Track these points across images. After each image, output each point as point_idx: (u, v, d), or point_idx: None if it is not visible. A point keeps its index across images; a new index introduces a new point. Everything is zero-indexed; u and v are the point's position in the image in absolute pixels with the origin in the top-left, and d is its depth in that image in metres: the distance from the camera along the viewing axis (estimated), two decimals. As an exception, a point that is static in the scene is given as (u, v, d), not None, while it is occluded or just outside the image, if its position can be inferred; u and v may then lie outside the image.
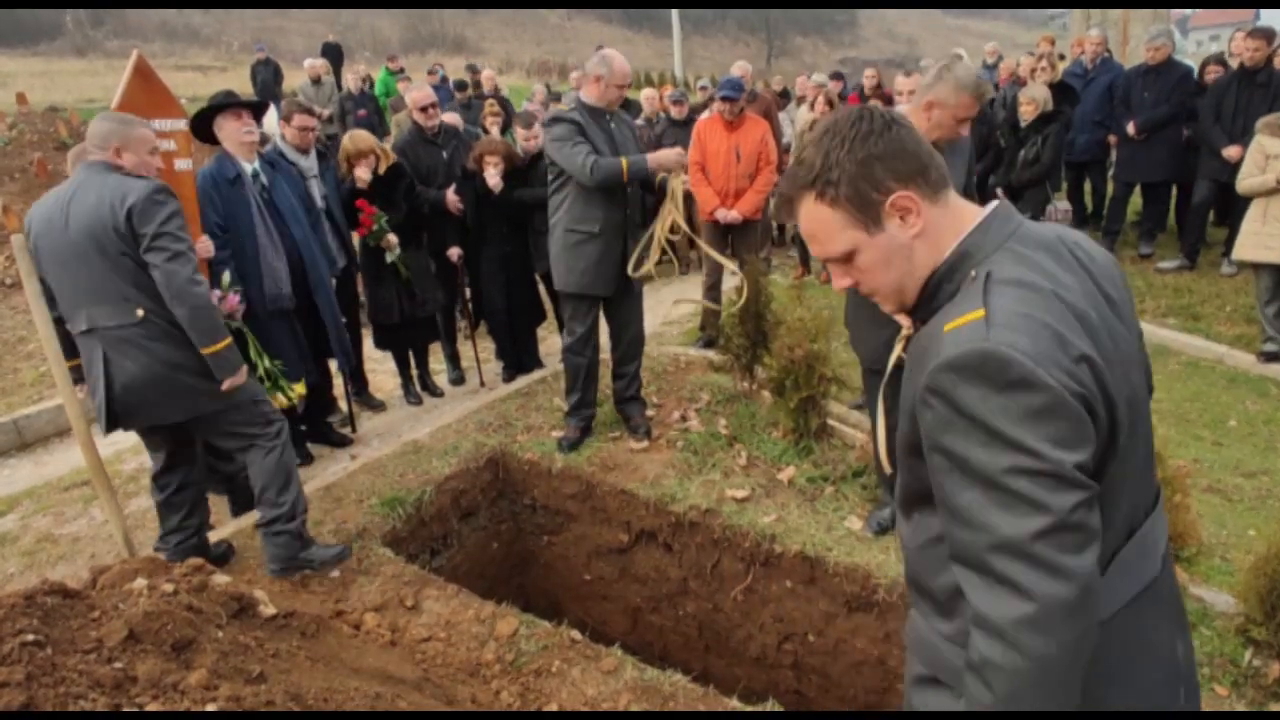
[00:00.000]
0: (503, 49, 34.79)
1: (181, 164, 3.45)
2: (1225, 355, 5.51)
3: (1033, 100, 6.26)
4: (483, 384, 5.45)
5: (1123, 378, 1.14)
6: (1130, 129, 6.77)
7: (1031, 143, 6.17)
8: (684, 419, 4.41)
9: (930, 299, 1.24)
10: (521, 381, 5.12)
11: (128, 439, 3.89)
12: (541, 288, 5.52)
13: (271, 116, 6.56)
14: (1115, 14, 12.56)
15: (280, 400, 3.84)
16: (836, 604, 3.35)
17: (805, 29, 46.95)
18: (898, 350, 1.38)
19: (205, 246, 3.50)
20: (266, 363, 3.81)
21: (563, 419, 4.33)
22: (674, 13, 22.75)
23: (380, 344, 5.20)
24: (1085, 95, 7.30)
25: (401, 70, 12.16)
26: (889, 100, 7.74)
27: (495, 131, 6.65)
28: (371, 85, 11.81)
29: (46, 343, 3.06)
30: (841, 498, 3.73)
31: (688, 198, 4.13)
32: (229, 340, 3.00)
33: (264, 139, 4.38)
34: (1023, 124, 6.28)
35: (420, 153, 5.21)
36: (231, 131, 3.81)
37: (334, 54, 13.99)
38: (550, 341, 6.03)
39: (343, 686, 2.19)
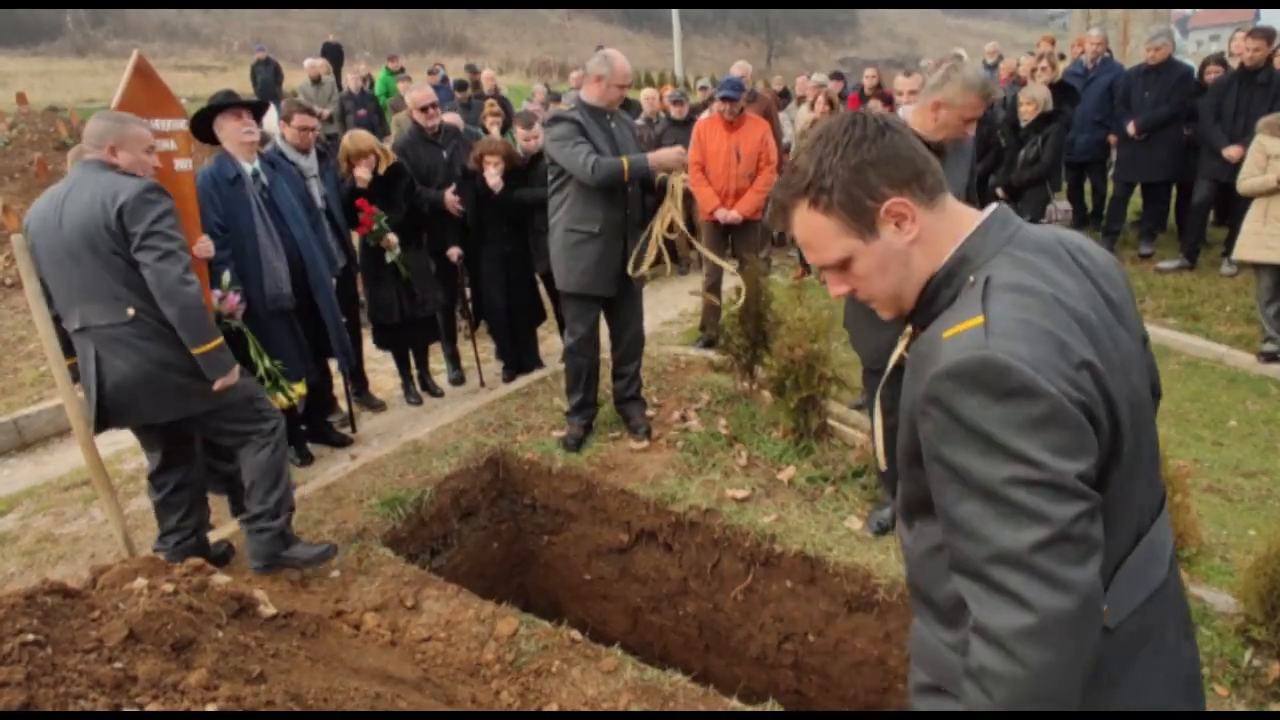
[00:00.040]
0: (503, 49, 34.78)
1: (181, 164, 3.45)
2: (1225, 355, 5.52)
3: (1033, 100, 6.26)
4: (483, 384, 5.45)
5: (1125, 382, 1.13)
6: (1130, 129, 6.77)
7: (1031, 142, 6.17)
8: (684, 419, 4.41)
9: (929, 305, 1.22)
10: (521, 381, 5.12)
11: (128, 439, 3.88)
12: (541, 288, 5.51)
13: (271, 116, 6.56)
14: (1115, 14, 12.56)
15: (281, 400, 3.83)
16: (836, 604, 3.35)
17: (805, 29, 46.94)
18: (899, 350, 1.36)
19: (205, 246, 3.49)
20: (267, 362, 3.81)
21: (565, 418, 4.33)
22: (674, 13, 22.75)
23: (380, 344, 5.20)
24: (1085, 95, 7.30)
25: (402, 70, 12.15)
26: (889, 100, 7.74)
27: (495, 131, 6.65)
28: (371, 85, 11.81)
29: (46, 342, 3.06)
30: (841, 498, 3.73)
31: (687, 196, 4.14)
32: (220, 340, 2.99)
33: (264, 139, 4.38)
34: (1023, 124, 6.28)
35: (420, 153, 5.21)
36: (231, 131, 3.81)
37: (334, 54, 13.98)
38: (550, 341, 6.03)
39: (343, 686, 2.19)
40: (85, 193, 2.84)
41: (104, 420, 3.01)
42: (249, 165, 3.88)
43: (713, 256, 4.65)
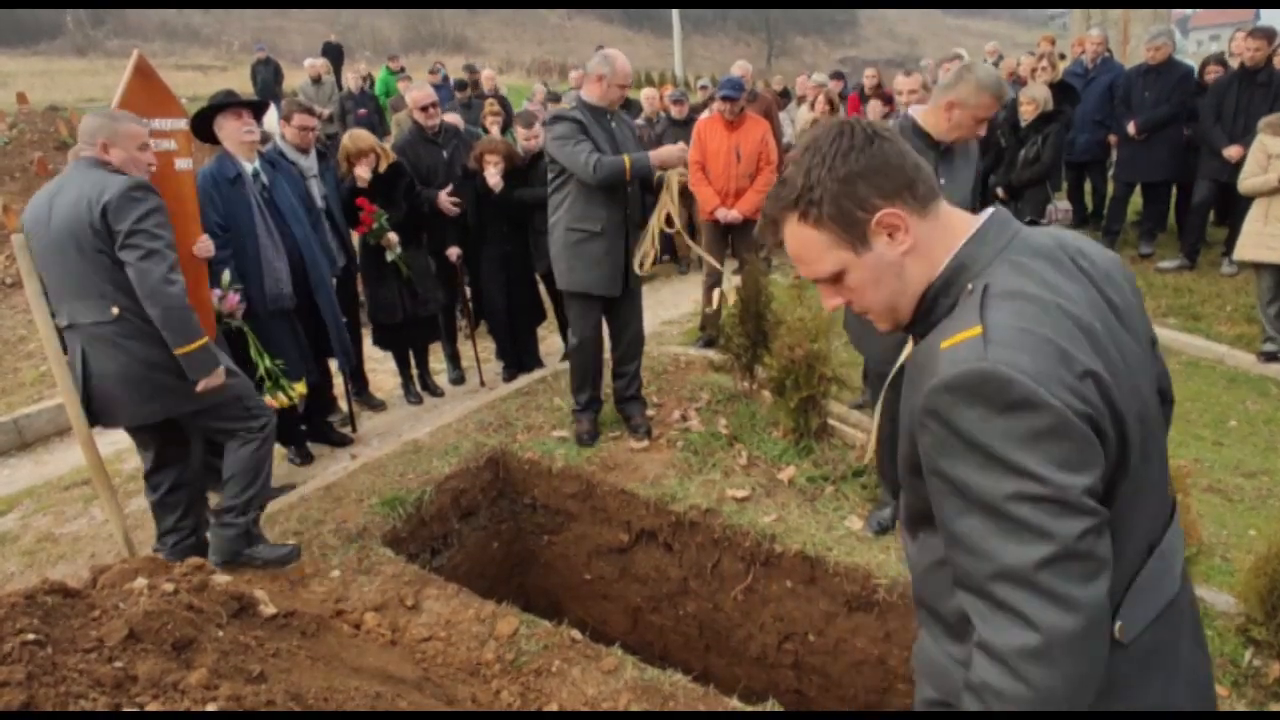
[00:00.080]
0: (503, 49, 34.78)
1: (181, 163, 3.44)
2: (1226, 355, 5.51)
3: (1033, 100, 6.26)
4: (483, 384, 5.45)
5: (1131, 391, 1.09)
6: (1130, 129, 6.77)
7: (1032, 142, 6.17)
8: (684, 419, 4.41)
9: (927, 314, 1.19)
10: (522, 381, 5.12)
11: (128, 438, 3.88)
12: (541, 287, 5.51)
13: (272, 116, 6.56)
14: (1115, 14, 12.55)
15: (281, 399, 3.84)
16: (837, 604, 3.35)
17: (805, 29, 46.92)
18: (908, 351, 1.34)
19: (205, 246, 3.49)
20: (267, 362, 3.81)
21: (572, 416, 4.33)
22: (674, 13, 22.75)
23: (380, 343, 5.20)
24: (1085, 95, 7.30)
25: (402, 70, 12.16)
26: (889, 100, 7.74)
27: (495, 131, 6.65)
28: (372, 85, 11.81)
29: (47, 342, 3.06)
30: (842, 497, 3.73)
31: (686, 194, 4.15)
32: (204, 340, 2.96)
33: (265, 138, 4.38)
34: (1023, 124, 6.28)
35: (420, 152, 5.21)
36: (232, 131, 3.81)
37: (334, 54, 13.98)
38: (550, 341, 6.03)
39: (343, 686, 2.19)
40: (73, 190, 2.83)
41: (91, 419, 3.01)
42: (249, 165, 3.88)
43: (707, 256, 4.65)
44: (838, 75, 11.23)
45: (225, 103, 3.87)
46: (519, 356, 5.47)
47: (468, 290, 5.67)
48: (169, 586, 2.19)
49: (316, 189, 4.56)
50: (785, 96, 10.40)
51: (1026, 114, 6.26)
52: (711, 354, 5.17)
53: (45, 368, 5.77)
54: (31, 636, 1.76)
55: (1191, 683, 1.23)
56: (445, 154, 5.28)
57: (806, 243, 1.19)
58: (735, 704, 2.66)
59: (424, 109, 5.22)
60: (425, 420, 4.86)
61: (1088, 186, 8.07)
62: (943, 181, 3.15)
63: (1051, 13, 44.03)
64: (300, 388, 3.95)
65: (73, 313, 2.90)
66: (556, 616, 3.40)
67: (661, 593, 3.92)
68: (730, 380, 4.75)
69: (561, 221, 3.92)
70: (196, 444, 3.36)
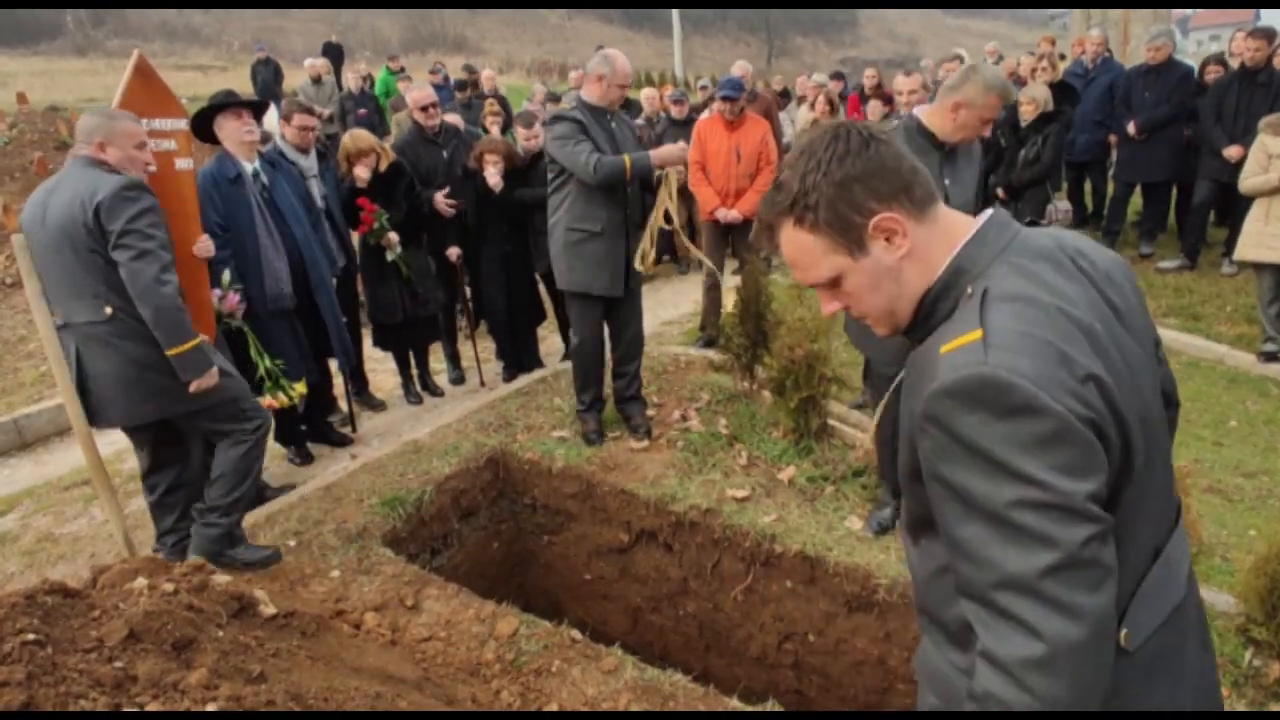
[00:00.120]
0: (503, 49, 34.78)
1: (182, 163, 3.45)
2: (1226, 355, 5.51)
3: (1033, 100, 6.26)
4: (483, 384, 5.45)
5: (1134, 394, 1.07)
6: (1131, 129, 6.77)
7: (1032, 142, 6.17)
8: (684, 419, 4.41)
9: (926, 318, 1.17)
10: (522, 381, 5.11)
11: (128, 438, 3.89)
12: (541, 287, 5.51)
13: (272, 116, 6.56)
14: (1115, 14, 12.55)
15: (281, 399, 3.84)
16: (837, 604, 3.35)
17: (805, 29, 46.92)
18: None
19: (205, 246, 3.49)
20: (267, 362, 3.81)
21: (577, 417, 4.33)
22: (674, 13, 22.76)
23: (380, 344, 5.20)
24: (1086, 95, 7.30)
25: (402, 70, 12.16)
26: (889, 100, 7.74)
27: (495, 131, 6.65)
28: (372, 85, 11.81)
29: (47, 342, 3.06)
30: (842, 497, 3.73)
31: (685, 193, 4.16)
32: (196, 341, 2.95)
33: (265, 138, 4.38)
34: (1023, 124, 6.28)
35: (420, 152, 5.21)
36: (232, 131, 3.81)
37: (335, 54, 13.98)
38: (550, 341, 6.03)
39: (343, 686, 2.19)
40: (68, 189, 2.83)
41: (87, 418, 3.01)
42: (249, 165, 3.88)
43: (702, 257, 4.66)
44: (838, 75, 11.23)
45: (225, 103, 3.87)
46: (519, 356, 5.47)
47: (468, 290, 5.67)
48: (169, 586, 2.19)
49: (316, 189, 4.56)
50: (785, 97, 10.41)
51: (1026, 114, 6.26)
52: (711, 354, 5.17)
53: (45, 368, 5.77)
54: (31, 636, 1.76)
55: (1198, 688, 1.22)
56: (445, 154, 5.28)
57: (802, 248, 1.18)
58: (735, 704, 2.66)
59: (424, 109, 5.22)
60: (425, 420, 4.86)
61: (1088, 187, 8.07)
62: (947, 182, 3.15)
63: (1051, 13, 44.02)
64: (300, 388, 3.95)
65: (67, 312, 2.91)
66: (556, 616, 3.41)
67: (661, 593, 3.92)
68: (730, 380, 4.75)
69: (561, 222, 3.92)
70: (195, 445, 3.36)
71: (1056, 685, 0.98)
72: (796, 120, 8.55)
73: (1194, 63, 7.52)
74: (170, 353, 2.90)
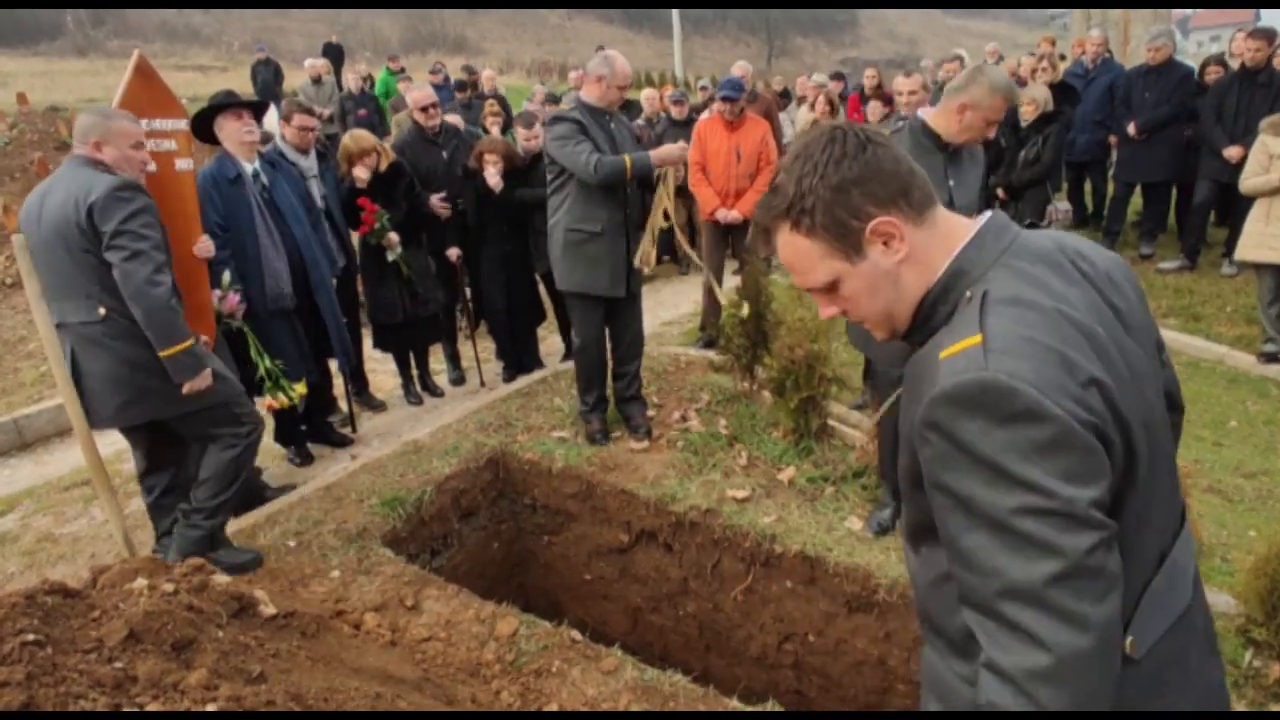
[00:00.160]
0: (503, 49, 34.79)
1: (182, 164, 3.45)
2: (1226, 355, 5.52)
3: (1033, 100, 6.26)
4: (483, 384, 5.45)
5: (1137, 398, 1.06)
6: (1131, 129, 6.77)
7: (1032, 143, 6.18)
8: (684, 419, 4.41)
9: (925, 322, 1.16)
10: (522, 381, 5.12)
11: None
12: (541, 287, 5.52)
13: (272, 116, 6.56)
14: (1116, 14, 12.56)
15: (281, 400, 3.84)
16: (837, 604, 3.35)
17: (805, 29, 46.93)
18: None
19: (205, 246, 3.49)
20: (267, 362, 3.81)
21: (582, 418, 4.33)
22: (674, 13, 22.75)
23: (380, 345, 5.20)
24: (1086, 95, 7.31)
25: (402, 70, 12.16)
26: (889, 101, 7.74)
27: (495, 131, 6.65)
28: (372, 85, 11.81)
29: (47, 342, 3.06)
30: (842, 498, 3.73)
31: (684, 192, 4.17)
32: (189, 343, 2.94)
33: (265, 138, 4.38)
34: (1023, 124, 6.28)
35: (420, 153, 5.21)
36: (232, 131, 3.81)
37: (335, 54, 13.98)
38: (550, 341, 6.03)
39: (343, 686, 2.19)
40: (62, 189, 2.83)
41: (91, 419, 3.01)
42: (249, 165, 3.88)
43: (695, 257, 4.66)
44: (838, 76, 11.23)
45: (225, 103, 3.87)
46: (519, 357, 5.47)
47: (468, 290, 5.67)
48: (169, 587, 2.19)
49: (316, 189, 4.56)
50: (785, 97, 10.41)
51: (1027, 114, 6.26)
52: (711, 354, 5.17)
53: (45, 368, 5.77)
54: (31, 637, 1.76)
55: (1204, 694, 1.20)
56: (445, 154, 5.28)
57: (799, 252, 1.16)
58: (735, 704, 2.66)
59: (424, 109, 5.22)
60: (425, 421, 4.86)
61: (1088, 187, 8.08)
62: (951, 184, 3.15)
63: (1052, 13, 44.04)
64: (300, 388, 3.95)
65: (62, 312, 2.90)
66: (556, 617, 3.41)
67: (661, 593, 3.92)
68: (730, 380, 4.75)
69: (561, 223, 3.92)
70: (193, 447, 3.35)
71: (1062, 696, 0.96)
72: (796, 121, 8.55)
73: (1194, 63, 7.53)
74: (163, 354, 2.88)
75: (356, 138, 4.76)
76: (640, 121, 7.81)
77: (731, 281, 5.47)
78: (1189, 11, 40.54)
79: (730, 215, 5.47)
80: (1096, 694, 0.98)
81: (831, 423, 4.20)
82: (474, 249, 5.25)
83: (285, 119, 4.55)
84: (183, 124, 3.49)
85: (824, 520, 3.56)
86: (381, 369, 5.66)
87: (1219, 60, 7.21)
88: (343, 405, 4.95)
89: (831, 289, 1.19)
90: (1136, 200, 7.53)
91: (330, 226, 4.58)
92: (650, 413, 4.44)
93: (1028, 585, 0.96)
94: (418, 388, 5.35)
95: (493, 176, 4.87)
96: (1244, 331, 5.70)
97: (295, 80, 13.82)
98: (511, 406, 4.67)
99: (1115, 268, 1.19)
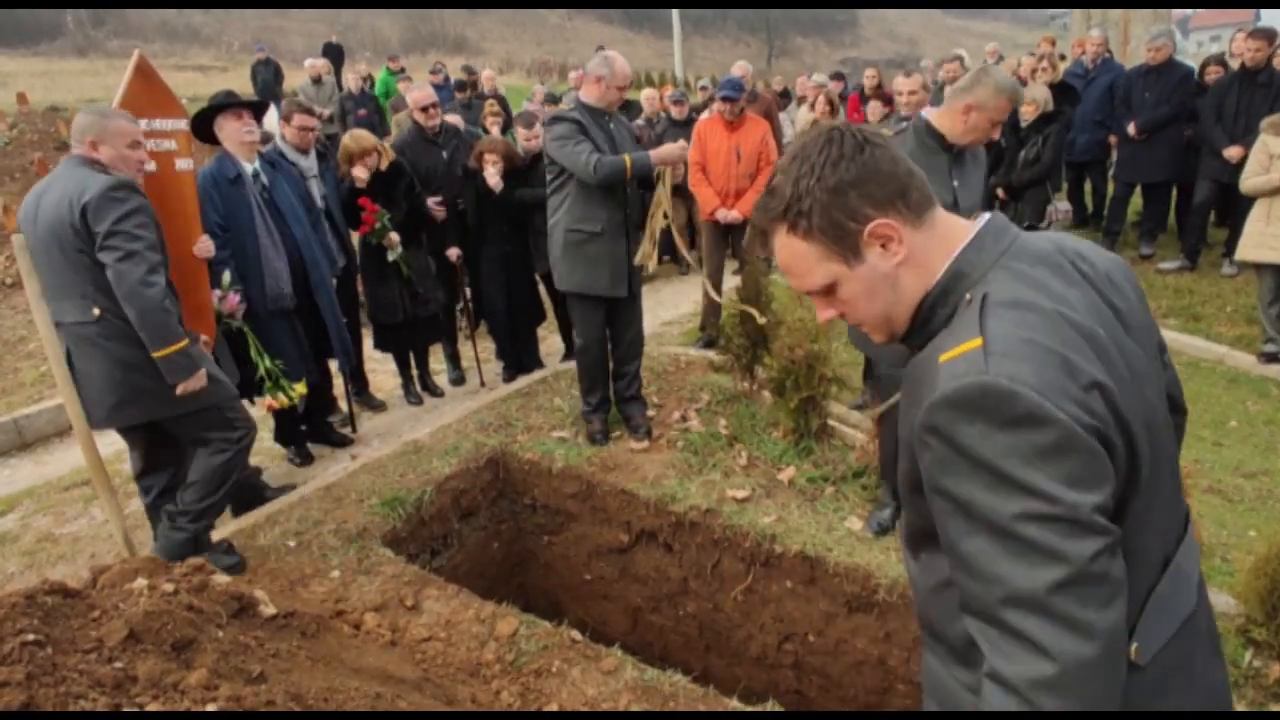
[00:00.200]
0: (503, 49, 34.78)
1: (182, 164, 3.45)
2: (1226, 356, 5.52)
3: (1033, 100, 6.26)
4: (483, 384, 5.45)
5: (1139, 401, 1.05)
6: (1131, 129, 6.77)
7: (1032, 143, 6.18)
8: (684, 419, 4.41)
9: (924, 325, 1.14)
10: (522, 381, 5.11)
11: (128, 439, 3.91)
12: (541, 287, 5.52)
13: (272, 116, 6.56)
14: (1116, 14, 12.56)
15: (281, 400, 3.84)
16: (837, 604, 3.35)
17: (806, 29, 46.93)
18: None
19: (205, 246, 3.49)
20: (267, 362, 3.81)
21: (584, 418, 4.32)
22: (674, 13, 22.75)
23: (381, 346, 5.20)
24: (1086, 95, 7.31)
25: (402, 70, 12.16)
26: (889, 101, 7.74)
27: (495, 131, 6.66)
28: (372, 85, 11.81)
29: (47, 342, 3.06)
30: (842, 498, 3.73)
31: (683, 191, 4.17)
32: (183, 344, 2.93)
33: (265, 138, 4.38)
34: (1023, 124, 6.28)
35: (420, 153, 5.21)
36: (232, 131, 3.81)
37: (335, 54, 13.99)
38: (550, 341, 6.03)
39: (343, 686, 2.19)
40: (58, 189, 2.82)
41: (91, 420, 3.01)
42: (249, 165, 3.88)
43: (689, 257, 4.65)
44: (838, 76, 11.23)
45: (225, 103, 3.87)
46: (519, 357, 5.47)
47: (468, 290, 5.68)
48: (169, 587, 2.19)
49: (316, 189, 4.56)
50: (785, 97, 10.41)
51: (1027, 114, 6.26)
52: (711, 354, 5.17)
53: (45, 368, 5.77)
54: (31, 637, 1.76)
55: (1206, 695, 1.20)
56: (445, 154, 5.28)
57: (796, 255, 1.15)
58: (735, 704, 2.66)
59: (424, 109, 5.22)
60: (425, 421, 4.86)
61: (1088, 187, 8.07)
62: (956, 184, 3.16)
63: (1052, 13, 44.03)
64: (300, 388, 3.95)
65: (58, 312, 2.90)
66: (556, 617, 3.41)
67: (661, 593, 3.92)
68: (730, 380, 4.75)
69: (561, 223, 3.92)
70: (189, 448, 3.34)
71: (1067, 705, 0.95)
72: (796, 121, 8.55)
73: (1194, 63, 7.53)
74: (156, 355, 2.87)
75: (357, 138, 4.76)
76: (640, 121, 7.81)
77: (731, 281, 5.47)
78: (1189, 11, 40.55)
79: (730, 215, 5.47)
80: (1102, 702, 0.96)
81: (831, 423, 4.20)
82: (474, 249, 5.25)
83: (285, 119, 4.55)
84: (183, 124, 3.49)
85: (824, 520, 3.56)
86: (381, 369, 5.66)
87: (1219, 60, 7.21)
88: (343, 405, 4.95)
89: (829, 292, 1.17)
90: (1136, 200, 7.53)
91: (330, 226, 4.58)
92: (650, 413, 4.44)
93: (1031, 592, 0.95)
94: (418, 388, 5.35)
95: (493, 176, 4.87)
96: (1244, 331, 5.70)
97: (295, 80, 13.81)
98: (511, 406, 4.67)
99: (1115, 268, 1.18)
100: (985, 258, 1.10)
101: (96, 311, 2.86)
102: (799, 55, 42.04)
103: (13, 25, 25.54)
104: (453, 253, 5.23)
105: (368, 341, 5.32)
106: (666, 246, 7.70)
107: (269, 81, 13.11)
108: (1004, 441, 0.96)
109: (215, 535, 3.48)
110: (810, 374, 3.87)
